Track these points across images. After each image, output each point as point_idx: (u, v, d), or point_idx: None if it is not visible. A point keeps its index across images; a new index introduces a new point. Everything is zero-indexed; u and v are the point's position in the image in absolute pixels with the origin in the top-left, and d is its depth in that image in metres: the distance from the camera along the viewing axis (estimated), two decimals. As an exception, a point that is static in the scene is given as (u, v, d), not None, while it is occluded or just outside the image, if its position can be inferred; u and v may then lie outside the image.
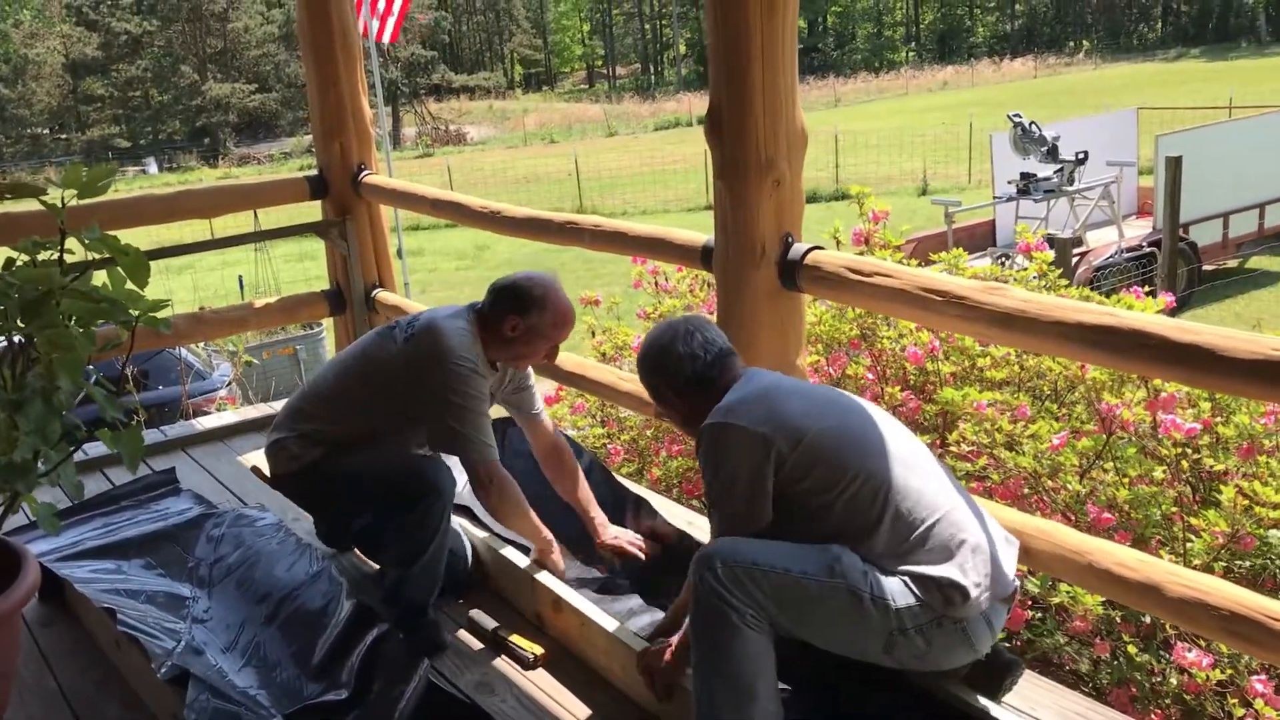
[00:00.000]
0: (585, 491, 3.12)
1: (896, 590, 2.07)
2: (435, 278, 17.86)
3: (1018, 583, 2.23)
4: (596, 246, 3.37)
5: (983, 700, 2.28)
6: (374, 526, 2.97)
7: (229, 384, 7.59)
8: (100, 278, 2.22)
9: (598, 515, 3.09)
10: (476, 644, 2.88)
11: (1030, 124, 11.87)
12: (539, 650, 2.77)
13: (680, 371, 2.39)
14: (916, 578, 2.08)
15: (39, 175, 40.08)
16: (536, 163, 29.30)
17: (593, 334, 5.64)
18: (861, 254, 4.54)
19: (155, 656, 2.55)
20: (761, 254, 2.76)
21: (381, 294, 4.68)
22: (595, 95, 55.98)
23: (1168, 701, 3.06)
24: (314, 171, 4.70)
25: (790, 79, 2.70)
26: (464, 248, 20.40)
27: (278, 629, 2.85)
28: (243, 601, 2.98)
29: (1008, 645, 3.25)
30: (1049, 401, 4.00)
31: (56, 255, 2.07)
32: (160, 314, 2.22)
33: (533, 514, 2.93)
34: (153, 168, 43.24)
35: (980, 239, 12.74)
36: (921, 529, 2.11)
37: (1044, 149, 11.78)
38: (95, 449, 4.38)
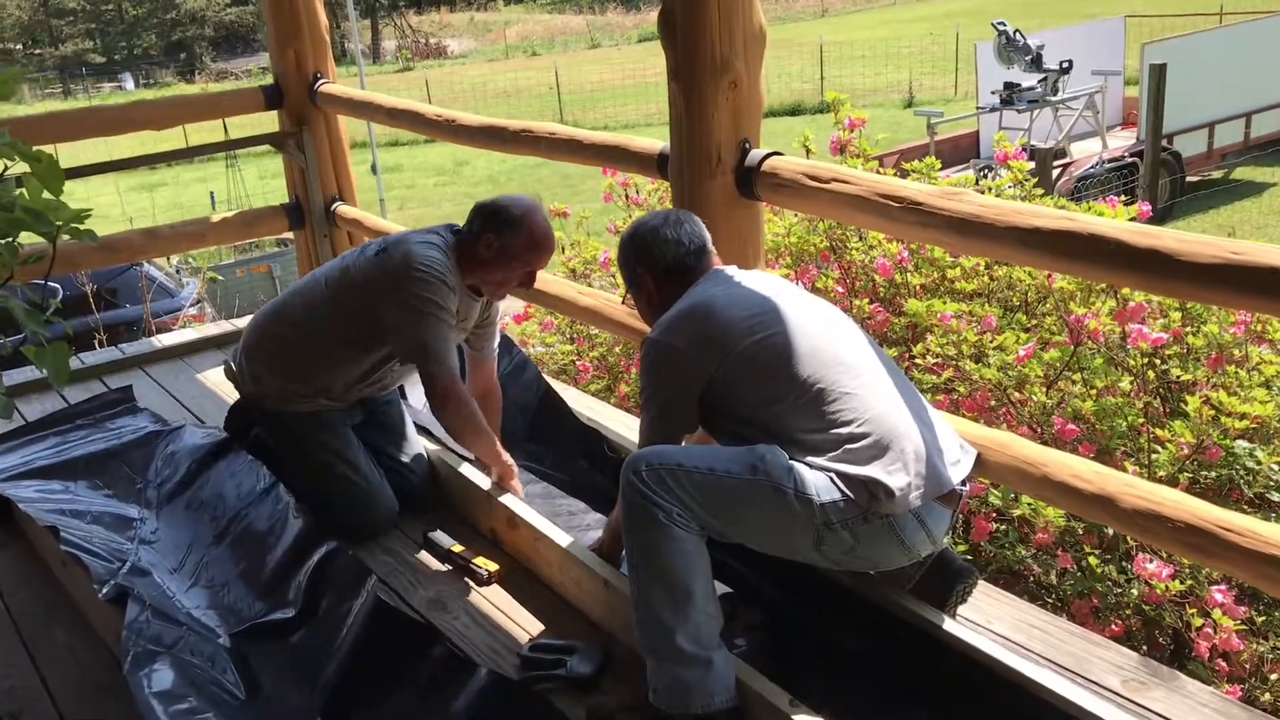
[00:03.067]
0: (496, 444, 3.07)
1: (822, 485, 2.07)
2: (413, 194, 17.63)
3: (964, 488, 2.19)
4: (553, 155, 3.27)
5: (931, 611, 2.26)
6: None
7: (196, 302, 7.47)
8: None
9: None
10: (432, 562, 2.85)
11: (1015, 32, 11.65)
12: (494, 567, 2.73)
13: (664, 256, 2.43)
14: (842, 475, 2.07)
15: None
16: (518, 76, 28.70)
17: (562, 249, 5.55)
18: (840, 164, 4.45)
19: (98, 576, 2.51)
20: (717, 161, 2.67)
21: (342, 207, 4.56)
22: (579, 6, 54.84)
23: (1129, 612, 3.05)
24: (269, 81, 4.56)
25: (747, -25, 2.57)
26: (443, 164, 20.11)
27: (226, 548, 2.81)
28: (191, 522, 2.93)
29: (969, 559, 3.24)
30: (1019, 313, 3.94)
31: (-35, 163, 1.96)
32: (84, 225, 2.13)
33: (493, 436, 2.90)
34: (129, 83, 42.32)
35: (964, 150, 12.58)
36: (851, 428, 2.11)
37: (1028, 58, 11.57)
38: (51, 368, 4.30)
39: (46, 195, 2.06)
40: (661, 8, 2.66)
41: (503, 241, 2.76)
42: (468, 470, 2.98)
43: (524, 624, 2.57)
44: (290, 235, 4.97)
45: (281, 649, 2.45)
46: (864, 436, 2.10)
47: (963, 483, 2.21)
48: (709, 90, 2.61)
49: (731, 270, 2.43)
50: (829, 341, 2.22)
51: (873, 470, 2.07)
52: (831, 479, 2.08)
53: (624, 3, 51.68)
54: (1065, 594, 3.16)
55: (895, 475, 2.06)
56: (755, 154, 2.66)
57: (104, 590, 2.44)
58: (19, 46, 48.45)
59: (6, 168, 2.05)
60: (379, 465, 3.02)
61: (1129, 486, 2.07)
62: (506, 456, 2.90)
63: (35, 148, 1.96)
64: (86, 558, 2.60)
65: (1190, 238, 1.87)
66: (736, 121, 2.66)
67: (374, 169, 13.18)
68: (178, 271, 8.22)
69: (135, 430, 3.45)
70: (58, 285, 7.11)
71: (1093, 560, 2.98)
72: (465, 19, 52.04)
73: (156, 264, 8.02)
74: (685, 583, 2.10)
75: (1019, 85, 11.65)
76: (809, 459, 2.12)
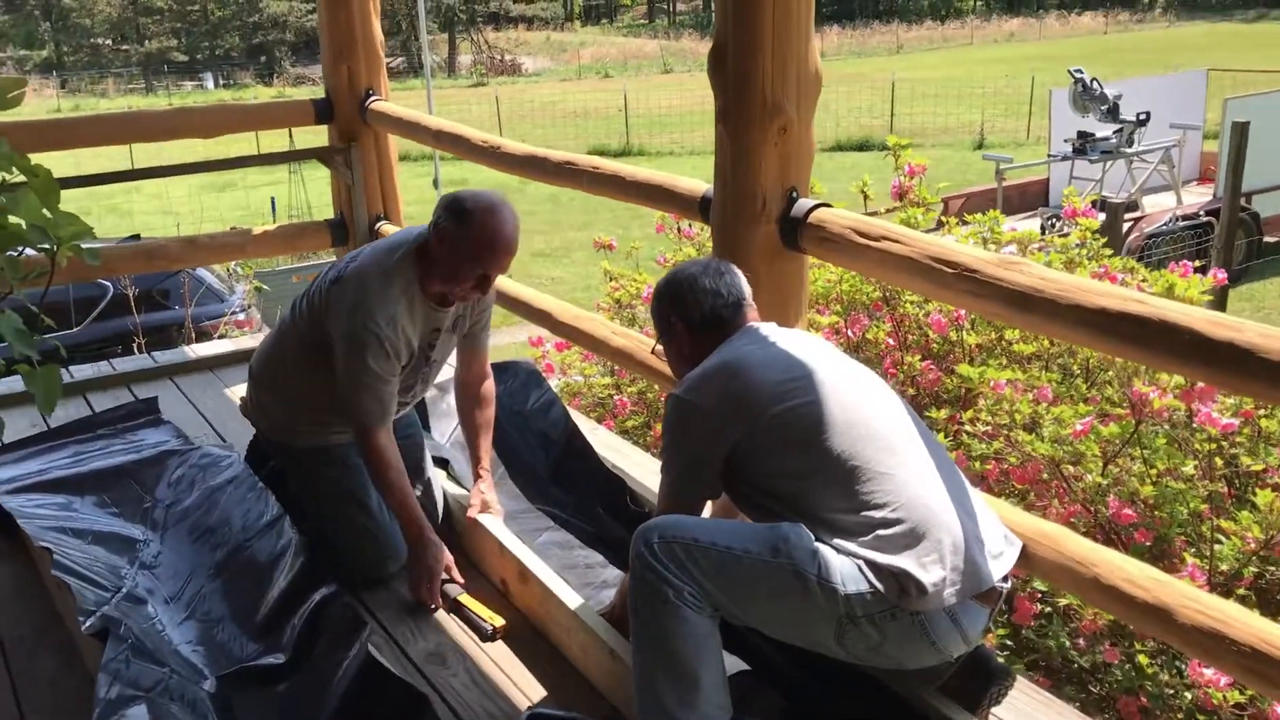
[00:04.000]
0: (486, 443, 2.97)
1: (849, 574, 1.89)
2: (474, 209, 17.63)
3: (1005, 585, 2.01)
4: (595, 190, 3.13)
5: (961, 713, 2.08)
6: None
7: (243, 310, 7.45)
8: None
9: (484, 474, 2.92)
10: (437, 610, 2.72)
11: (1091, 80, 11.36)
12: (500, 621, 2.59)
13: (700, 306, 2.28)
14: (871, 564, 1.89)
15: (98, 86, 40.18)
16: (588, 97, 28.76)
17: (610, 279, 5.43)
18: (892, 211, 4.28)
19: (83, 607, 2.39)
20: (762, 208, 2.51)
21: (385, 226, 4.46)
22: (654, 31, 55.03)
23: (1180, 717, 2.83)
24: (321, 95, 4.48)
25: (805, 15, 2.42)
26: (508, 180, 20.01)
27: (225, 581, 2.69)
28: (194, 549, 2.82)
29: (1009, 644, 3.04)
30: (1079, 380, 3.74)
31: (-38, 173, 1.87)
32: (86, 245, 2.03)
33: (407, 496, 2.68)
34: (210, 83, 43.17)
35: (1032, 198, 12.30)
36: (884, 512, 1.93)
37: (1104, 107, 11.27)
38: (81, 371, 4.25)
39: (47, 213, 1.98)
40: (712, 47, 2.51)
41: (455, 236, 2.55)
42: (482, 517, 2.84)
43: (524, 687, 2.42)
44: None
45: (268, 698, 2.32)
46: (898, 522, 1.92)
47: (1005, 579, 2.02)
48: (757, 133, 2.45)
49: (769, 328, 2.27)
50: (867, 415, 2.05)
51: (905, 561, 1.89)
52: (860, 567, 1.91)
53: (699, 29, 51.76)
54: (1112, 687, 2.95)
55: (930, 569, 1.88)
56: (803, 204, 2.50)
57: (87, 623, 2.33)
58: (107, 42, 49.57)
59: (4, 180, 1.96)
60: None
61: (1189, 600, 1.87)
62: (420, 519, 2.69)
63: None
64: (76, 585, 2.48)
65: (1273, 331, 1.68)
66: (784, 168, 2.50)
67: (435, 183, 13.16)
68: (230, 276, 8.19)
69: (154, 445, 3.36)
70: (109, 284, 7.13)
71: (1143, 659, 2.77)
72: (542, 38, 52.44)
73: (210, 268, 8.01)
74: (694, 669, 1.94)
75: (1093, 135, 11.36)
76: (836, 542, 1.95)
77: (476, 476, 2.90)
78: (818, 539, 1.95)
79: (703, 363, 2.20)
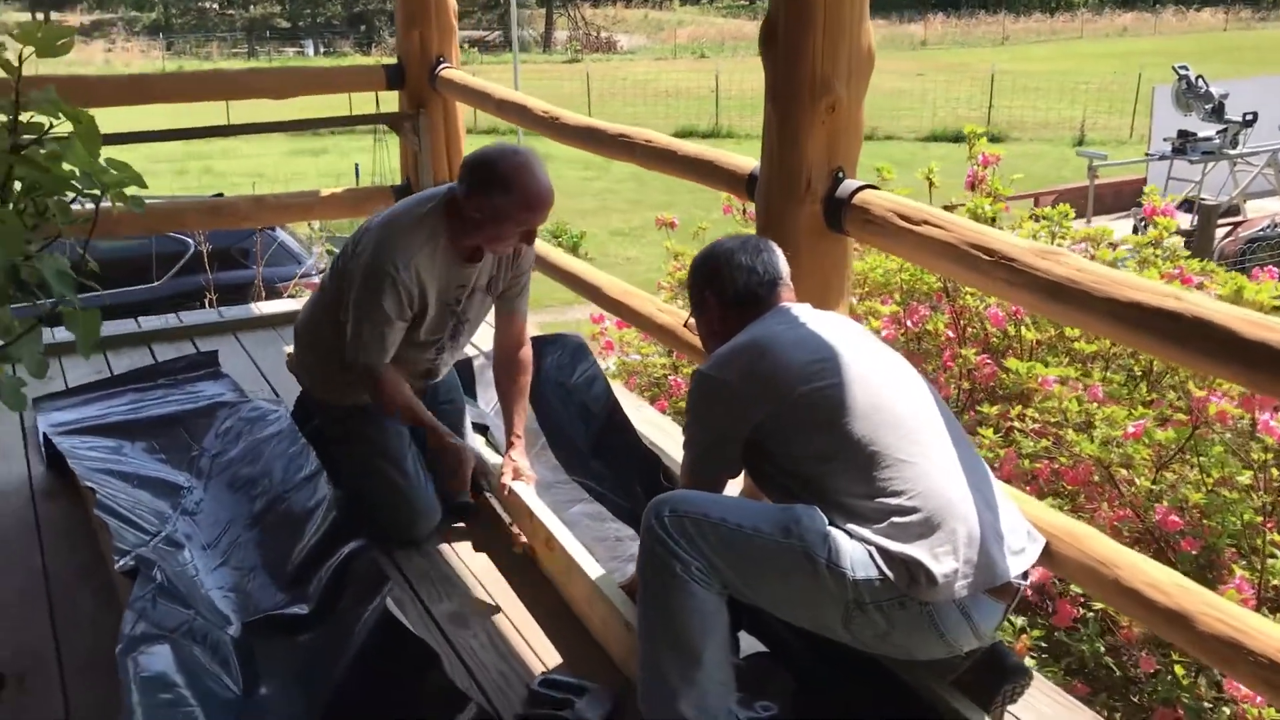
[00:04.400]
0: (520, 408, 2.96)
1: (859, 560, 1.87)
2: (557, 185, 17.57)
3: (1024, 582, 1.96)
4: (647, 164, 3.12)
5: (973, 709, 2.04)
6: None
7: (317, 272, 7.58)
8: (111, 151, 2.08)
9: (516, 441, 2.93)
10: (465, 571, 2.75)
11: (1197, 78, 11.00)
12: (526, 541, 2.71)
13: (734, 281, 2.26)
14: (883, 551, 1.86)
15: (202, 49, 41.10)
16: (681, 77, 28.65)
17: (675, 257, 5.42)
18: (960, 205, 4.19)
19: (118, 546, 2.47)
20: (807, 187, 2.48)
21: (450, 194, 4.50)
22: (754, 13, 54.55)
23: (1217, 730, 2.75)
24: (393, 60, 4.53)
25: (860, -8, 2.38)
26: (592, 157, 20.13)
27: (261, 531, 2.75)
28: (234, 498, 2.89)
29: (1043, 645, 2.97)
30: (1141, 381, 3.63)
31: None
32: (131, 191, 2.08)
33: (420, 411, 2.77)
34: (310, 50, 43.91)
35: (1127, 198, 11.96)
36: (900, 500, 1.90)
37: (1208, 106, 10.91)
38: (149, 323, 4.37)
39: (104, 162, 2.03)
40: (764, 22, 2.48)
41: (493, 204, 2.57)
42: (513, 482, 2.86)
43: (542, 653, 2.44)
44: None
45: (290, 646, 2.37)
46: (913, 511, 1.89)
47: (1024, 575, 1.97)
48: (805, 111, 2.42)
49: (801, 309, 2.24)
50: (891, 400, 2.02)
51: (916, 550, 1.85)
52: (870, 553, 1.88)
53: (799, 13, 51.04)
54: (1149, 696, 2.88)
55: (942, 559, 1.85)
56: (848, 184, 2.46)
57: (120, 562, 2.40)
58: (214, 6, 50.64)
59: (51, 125, 2.01)
60: (430, 464, 2.93)
61: (1209, 607, 1.81)
62: (440, 429, 2.77)
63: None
64: (115, 525, 2.56)
65: (1312, 335, 1.61)
66: (831, 147, 2.46)
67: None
68: (310, 238, 8.34)
69: (209, 397, 3.45)
70: (190, 240, 7.31)
71: (1179, 670, 2.69)
72: (639, 15, 52.35)
73: (292, 230, 8.16)
74: (697, 645, 1.93)
75: (1194, 134, 10.99)
76: (850, 527, 1.92)
77: (509, 444, 2.91)
78: (832, 523, 1.92)
79: (732, 339, 2.18)
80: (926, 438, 1.99)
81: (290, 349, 3.10)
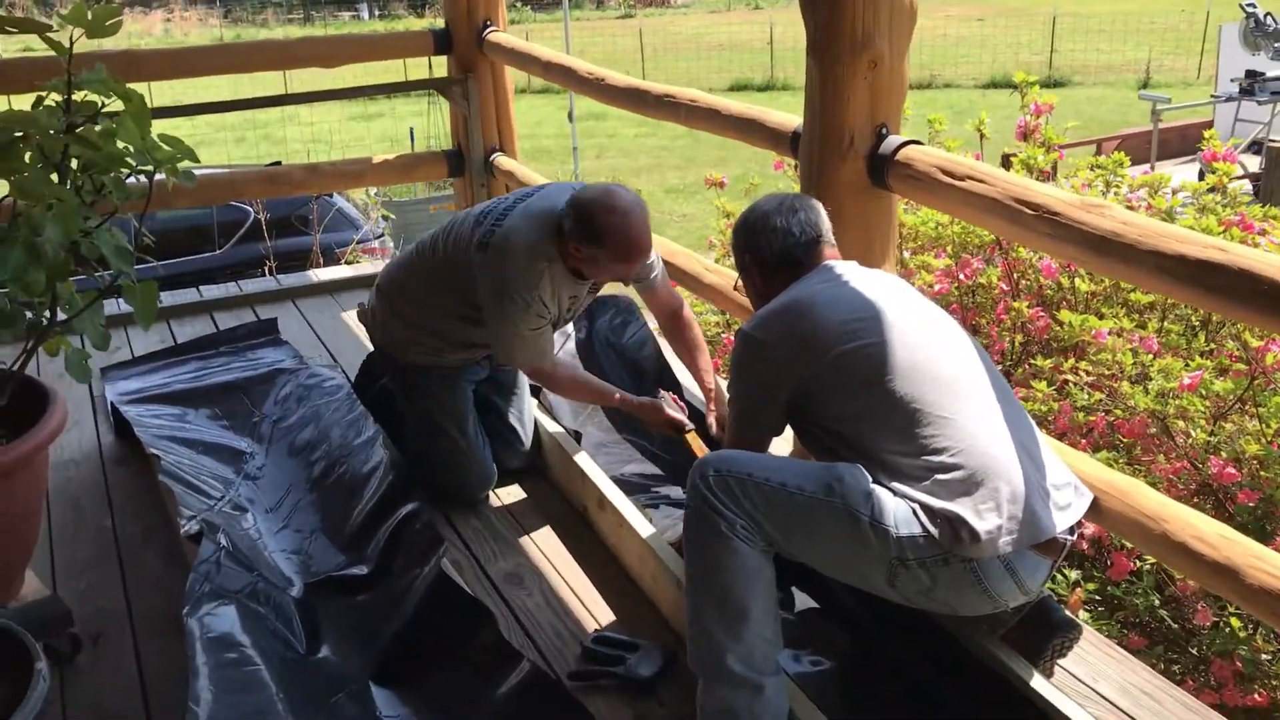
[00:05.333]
0: (702, 362, 2.96)
1: (902, 516, 1.88)
2: (613, 143, 17.62)
3: (1070, 537, 1.96)
4: (692, 123, 3.12)
5: (1021, 663, 2.05)
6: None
7: (377, 238, 7.66)
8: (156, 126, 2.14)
9: (710, 392, 2.93)
10: (519, 531, 2.80)
11: (1265, 15, 10.63)
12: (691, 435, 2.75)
13: (770, 245, 2.27)
14: (926, 508, 1.87)
15: (258, 16, 41.39)
16: (736, 30, 28.30)
17: (727, 215, 5.40)
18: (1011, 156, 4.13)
19: (183, 511, 2.55)
20: (849, 144, 2.47)
21: (500, 159, 4.53)
22: (808, -38, 53.65)
23: (1276, 684, 2.72)
24: (440, 25, 4.55)
25: (901, -57, 2.35)
26: (647, 120, 20.02)
27: (321, 495, 2.82)
28: (295, 463, 2.96)
29: (1098, 598, 2.96)
30: (1200, 332, 3.57)
31: (64, 99, 1.98)
32: (183, 166, 2.13)
33: (595, 390, 2.86)
34: (365, 14, 44.03)
35: (1192, 141, 11.60)
36: (943, 457, 1.90)
37: (1278, 45, 10.55)
38: (210, 292, 4.46)
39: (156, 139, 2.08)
40: (803, -26, 2.46)
41: (589, 253, 2.61)
42: (565, 442, 2.90)
43: (596, 611, 2.49)
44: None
45: (349, 606, 2.44)
46: (956, 468, 1.89)
47: (1071, 530, 1.97)
48: (846, 67, 2.40)
49: (844, 267, 2.24)
50: (932, 357, 2.01)
51: (959, 507, 1.86)
52: (914, 511, 1.89)
53: (854, -40, 50.04)
54: (1205, 649, 2.86)
55: (985, 516, 1.85)
56: (892, 140, 2.45)
57: (186, 525, 2.48)
58: (269, -28, 50.84)
59: (104, 105, 2.07)
60: (487, 426, 2.98)
61: (1257, 559, 1.80)
62: (617, 392, 2.83)
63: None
64: (180, 490, 2.65)
65: (1362, 285, 1.58)
66: (874, 103, 2.44)
67: (570, 116, 13.20)
68: (367, 205, 8.43)
69: (269, 364, 3.53)
70: (250, 209, 7.43)
71: (1235, 622, 2.67)
72: (692, -32, 51.73)
73: (349, 196, 8.25)
74: (742, 601, 1.95)
75: (1263, 74, 10.64)
76: (894, 485, 1.93)
77: (706, 394, 2.93)
78: (875, 480, 1.93)
79: (773, 300, 2.19)
80: (969, 394, 1.99)
81: (364, 302, 3.12)
